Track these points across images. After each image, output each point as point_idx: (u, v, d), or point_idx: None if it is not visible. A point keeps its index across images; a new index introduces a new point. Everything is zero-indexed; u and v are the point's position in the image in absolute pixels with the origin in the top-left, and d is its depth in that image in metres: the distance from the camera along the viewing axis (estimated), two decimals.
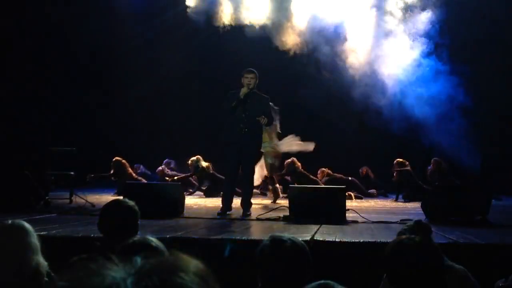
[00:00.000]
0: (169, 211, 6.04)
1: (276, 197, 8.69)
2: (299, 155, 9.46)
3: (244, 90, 6.41)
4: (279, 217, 6.02)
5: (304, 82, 11.00)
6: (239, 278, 3.44)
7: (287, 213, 6.01)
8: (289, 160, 9.59)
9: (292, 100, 11.13)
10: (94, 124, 12.04)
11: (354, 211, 6.36)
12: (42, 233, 4.36)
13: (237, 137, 6.40)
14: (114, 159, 10.10)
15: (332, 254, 4.11)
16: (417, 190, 9.35)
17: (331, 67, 10.75)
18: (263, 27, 10.87)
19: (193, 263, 0.77)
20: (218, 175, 10.10)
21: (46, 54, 11.21)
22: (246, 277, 2.45)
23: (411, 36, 10.84)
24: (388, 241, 3.26)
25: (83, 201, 7.40)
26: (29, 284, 2.09)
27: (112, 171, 10.07)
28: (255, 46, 10.97)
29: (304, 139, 9.04)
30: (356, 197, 10.11)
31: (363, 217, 5.99)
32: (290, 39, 10.87)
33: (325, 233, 4.66)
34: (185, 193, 7.66)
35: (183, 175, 10.72)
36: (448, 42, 10.83)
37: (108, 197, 8.78)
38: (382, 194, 11.04)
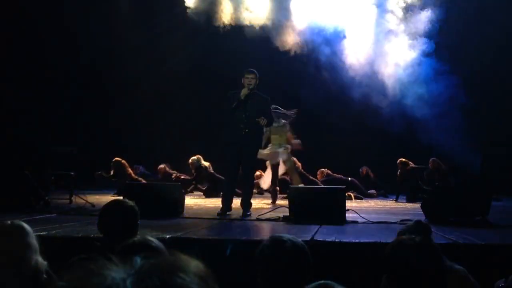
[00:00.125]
0: (169, 211, 6.04)
1: (275, 198, 8.70)
2: (300, 155, 9.47)
3: (244, 91, 6.41)
4: (279, 217, 6.02)
5: (304, 82, 11.00)
6: (239, 278, 3.44)
7: (287, 214, 6.00)
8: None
9: (291, 100, 11.12)
10: (94, 124, 12.05)
11: (354, 211, 6.36)
12: (42, 233, 4.36)
13: (237, 137, 6.40)
14: (114, 160, 10.11)
15: (332, 255, 4.11)
16: (419, 190, 9.34)
17: (331, 67, 10.76)
18: (263, 27, 10.88)
19: (193, 264, 0.77)
20: (218, 176, 10.12)
21: (46, 54, 11.21)
22: (246, 277, 2.45)
23: (411, 35, 10.84)
24: (388, 241, 3.26)
25: (83, 201, 7.40)
26: (29, 283, 2.09)
27: (112, 172, 10.07)
28: (255, 46, 10.98)
29: (304, 139, 9.04)
30: (356, 198, 10.11)
31: (363, 218, 5.99)
32: (290, 39, 10.88)
33: (325, 234, 4.66)
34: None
35: (188, 178, 10.74)
36: (448, 42, 10.83)
37: (108, 197, 8.78)
38: (382, 194, 11.04)
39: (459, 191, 6.21)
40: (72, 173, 8.24)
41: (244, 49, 11.07)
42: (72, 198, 7.85)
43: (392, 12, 10.96)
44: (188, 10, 11.18)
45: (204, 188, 10.53)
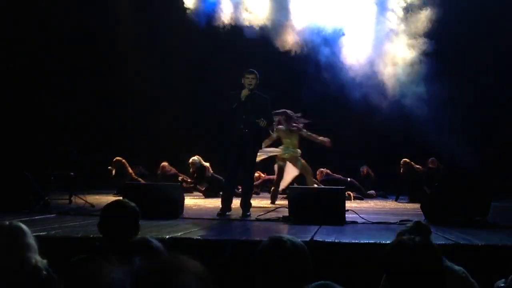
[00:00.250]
0: (169, 212, 6.04)
1: (274, 200, 8.70)
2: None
3: (245, 92, 6.41)
4: (279, 218, 6.02)
5: (304, 82, 11.01)
6: (238, 279, 3.44)
7: (286, 214, 6.00)
8: None
9: (291, 100, 11.13)
10: (94, 124, 12.04)
11: (354, 211, 6.37)
12: (41, 233, 4.36)
13: (237, 137, 6.41)
14: (115, 159, 10.13)
15: (332, 255, 4.11)
16: (421, 191, 9.34)
17: (330, 67, 10.76)
18: (262, 28, 10.89)
19: (192, 264, 0.77)
20: (217, 176, 10.14)
21: (46, 54, 11.20)
22: (246, 278, 2.45)
23: (410, 35, 10.85)
24: (388, 242, 3.27)
25: (83, 201, 7.39)
26: (29, 282, 2.10)
27: (113, 171, 10.10)
28: (254, 47, 10.98)
29: (302, 139, 9.04)
30: (356, 198, 10.12)
31: (362, 218, 5.99)
32: (290, 40, 10.88)
33: (325, 234, 4.66)
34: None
35: (191, 180, 10.77)
36: (448, 42, 10.84)
37: (107, 198, 8.78)
38: (382, 195, 11.05)
39: (458, 192, 6.20)
40: (72, 173, 8.24)
41: (243, 50, 11.08)
42: (72, 198, 7.85)
43: (392, 11, 10.96)
44: (187, 11, 11.19)
45: (203, 189, 10.53)
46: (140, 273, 0.73)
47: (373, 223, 5.73)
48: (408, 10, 10.95)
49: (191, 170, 10.61)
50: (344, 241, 4.33)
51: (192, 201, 8.90)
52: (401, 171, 10.09)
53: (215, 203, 7.74)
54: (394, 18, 10.96)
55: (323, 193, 6.45)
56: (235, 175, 6.64)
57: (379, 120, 10.70)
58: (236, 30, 11.02)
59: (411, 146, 10.90)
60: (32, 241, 2.17)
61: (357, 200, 9.95)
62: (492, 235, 4.83)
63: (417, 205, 7.06)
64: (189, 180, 10.81)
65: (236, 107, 6.40)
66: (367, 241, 4.27)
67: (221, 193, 9.06)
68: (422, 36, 10.70)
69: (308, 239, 4.27)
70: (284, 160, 8.49)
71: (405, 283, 2.04)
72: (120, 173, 10.02)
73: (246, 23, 10.92)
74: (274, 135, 8.30)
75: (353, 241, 4.31)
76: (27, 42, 10.82)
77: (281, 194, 9.07)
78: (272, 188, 8.96)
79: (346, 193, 7.22)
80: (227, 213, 6.41)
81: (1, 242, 2.14)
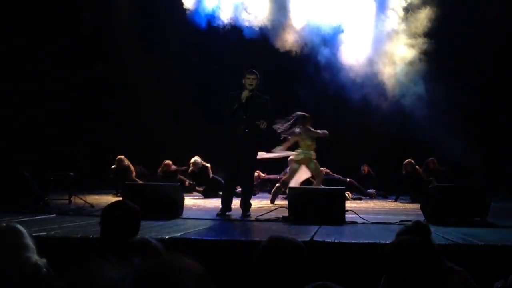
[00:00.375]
0: (168, 212, 6.04)
1: (274, 198, 8.71)
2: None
3: (245, 93, 6.41)
4: (279, 218, 6.02)
5: (303, 82, 11.01)
6: (238, 279, 3.45)
7: (286, 214, 6.00)
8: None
9: (291, 100, 11.14)
10: (94, 124, 12.04)
11: (354, 212, 6.37)
12: (41, 233, 4.36)
13: (238, 137, 6.41)
14: (117, 157, 10.17)
15: (331, 255, 4.11)
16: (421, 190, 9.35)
17: (330, 67, 10.76)
18: (262, 28, 10.89)
19: (191, 264, 0.77)
20: (217, 177, 10.16)
21: (46, 54, 11.19)
22: (246, 278, 2.45)
23: (410, 35, 10.85)
24: (388, 242, 3.27)
25: (82, 201, 7.39)
26: (30, 280, 2.10)
27: (114, 169, 10.14)
28: (254, 47, 10.98)
29: None
30: (354, 198, 10.13)
31: (362, 218, 5.99)
32: (289, 40, 10.89)
33: (324, 234, 4.65)
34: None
35: (191, 182, 10.79)
36: (448, 41, 10.84)
37: (107, 198, 8.79)
38: (382, 195, 11.06)
39: (458, 192, 6.21)
40: (72, 174, 8.24)
41: (243, 50, 11.08)
42: (72, 198, 7.85)
43: (392, 10, 10.97)
44: (187, 12, 11.20)
45: (202, 189, 10.54)
46: (140, 273, 0.73)
47: (373, 223, 5.73)
48: (408, 9, 10.95)
49: (190, 169, 10.60)
50: (344, 241, 4.32)
51: (192, 201, 8.90)
52: (404, 171, 10.09)
53: (215, 203, 7.74)
54: (394, 17, 10.97)
55: (323, 193, 6.45)
56: (235, 175, 6.64)
57: (379, 120, 10.70)
58: (236, 30, 11.03)
59: (411, 146, 10.90)
60: (29, 241, 2.18)
61: (357, 200, 9.95)
62: (492, 235, 4.83)
63: (417, 205, 7.07)
64: (189, 183, 10.81)
65: (237, 109, 6.40)
66: (367, 241, 4.27)
67: (220, 193, 9.10)
68: (422, 36, 10.71)
69: (308, 239, 4.27)
70: (299, 162, 8.52)
71: (404, 283, 2.04)
72: (121, 172, 10.03)
73: (246, 23, 10.93)
74: (292, 139, 8.41)
75: (352, 241, 4.30)
76: (27, 41, 10.81)
77: (281, 194, 9.08)
78: (277, 185, 8.96)
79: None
80: (227, 213, 6.41)
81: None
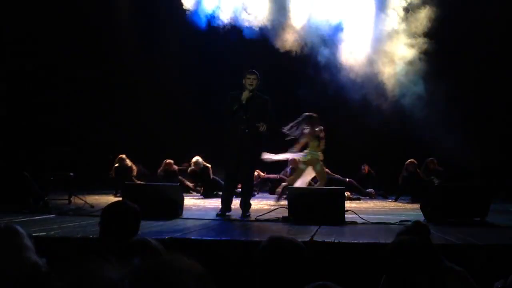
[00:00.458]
0: (168, 212, 6.04)
1: (279, 199, 8.74)
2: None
3: (246, 94, 6.41)
4: (278, 218, 6.02)
5: (303, 82, 11.01)
6: (238, 279, 3.44)
7: (286, 214, 6.00)
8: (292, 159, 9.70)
9: (291, 100, 11.15)
10: (94, 124, 12.04)
11: (353, 212, 6.37)
12: (41, 233, 4.36)
13: (237, 138, 6.41)
14: (119, 156, 10.18)
15: (331, 255, 4.11)
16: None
17: (330, 67, 10.76)
18: (262, 28, 10.90)
19: (191, 264, 0.77)
20: (217, 178, 10.17)
21: (45, 54, 11.19)
22: (245, 278, 2.45)
23: (410, 34, 10.85)
24: (387, 242, 3.27)
25: (82, 202, 7.39)
26: (30, 279, 2.10)
27: (115, 168, 10.15)
28: (254, 47, 10.98)
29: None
30: (355, 198, 10.14)
31: (362, 218, 5.99)
32: (289, 40, 10.89)
33: (324, 234, 4.65)
34: None
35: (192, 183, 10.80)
36: (448, 41, 10.84)
37: (107, 198, 8.79)
38: (382, 195, 11.07)
39: (458, 192, 6.21)
40: (71, 174, 8.24)
41: (243, 50, 11.08)
42: (71, 198, 7.85)
43: (392, 10, 10.97)
44: (187, 12, 11.20)
45: (201, 189, 10.54)
46: (140, 273, 0.73)
47: (372, 223, 5.73)
48: (408, 9, 10.96)
49: (190, 169, 10.59)
50: (344, 241, 4.32)
51: (192, 201, 8.90)
52: (406, 171, 10.08)
53: (215, 203, 7.74)
54: (394, 17, 10.97)
55: (322, 193, 6.45)
56: (234, 175, 6.63)
57: (379, 120, 10.69)
58: (236, 30, 11.04)
59: (411, 146, 10.90)
60: (28, 242, 2.18)
61: (356, 201, 9.96)
62: (492, 235, 4.83)
63: (417, 206, 7.07)
64: (187, 185, 10.81)
65: (237, 110, 6.40)
66: (367, 242, 4.27)
67: (220, 193, 9.11)
68: (422, 36, 10.71)
69: (307, 239, 4.27)
70: (306, 163, 8.53)
71: (404, 283, 2.04)
72: (122, 171, 10.04)
73: (246, 23, 10.93)
74: (302, 140, 8.43)
75: (352, 241, 4.30)
76: (27, 43, 10.81)
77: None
78: (283, 185, 8.98)
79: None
80: (227, 214, 6.41)
81: None
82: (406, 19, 10.94)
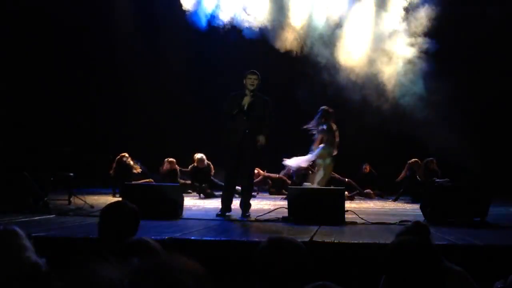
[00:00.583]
0: (168, 212, 6.04)
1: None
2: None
3: (247, 99, 6.40)
4: (278, 218, 6.02)
5: (303, 82, 11.01)
6: (238, 279, 3.44)
7: (286, 214, 6.00)
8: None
9: (290, 100, 11.15)
10: (94, 124, 12.05)
11: (353, 212, 6.37)
12: (41, 234, 4.36)
13: (238, 138, 6.40)
14: (120, 155, 10.18)
15: (331, 255, 4.11)
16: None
17: (329, 67, 10.76)
18: (262, 29, 10.90)
19: (190, 264, 0.77)
20: (215, 179, 10.19)
21: (46, 55, 11.20)
22: (245, 278, 2.45)
23: (411, 34, 10.85)
24: (387, 242, 3.26)
25: (82, 202, 7.39)
26: (30, 279, 2.11)
27: (115, 167, 10.15)
28: (254, 47, 10.98)
29: (302, 140, 9.07)
30: (353, 198, 10.18)
31: (362, 218, 5.99)
32: (289, 40, 10.89)
33: (324, 234, 4.66)
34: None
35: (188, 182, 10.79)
36: (448, 41, 10.83)
37: (106, 198, 8.79)
38: (379, 195, 11.10)
39: (458, 192, 6.21)
40: (71, 174, 8.24)
41: (242, 50, 11.09)
42: (71, 199, 7.85)
43: (392, 10, 10.97)
44: (186, 13, 11.20)
45: (205, 187, 10.54)
46: (139, 273, 0.73)
47: (372, 223, 5.74)
48: (408, 9, 10.96)
49: (193, 166, 10.55)
50: (344, 241, 4.32)
51: (192, 202, 8.90)
52: (410, 171, 10.08)
53: (215, 203, 7.74)
54: (394, 16, 10.96)
55: (322, 193, 6.45)
56: (235, 176, 6.63)
57: (379, 120, 10.69)
58: (236, 30, 11.03)
59: (411, 146, 10.89)
60: (27, 242, 2.18)
61: (356, 196, 9.99)
62: (492, 235, 4.84)
63: (417, 206, 7.07)
64: (188, 182, 10.81)
65: (237, 113, 6.39)
66: (367, 242, 4.27)
67: (216, 193, 9.14)
68: (422, 35, 10.71)
69: (307, 239, 4.27)
70: (321, 157, 8.66)
71: (404, 283, 2.04)
72: (123, 170, 10.03)
73: (246, 24, 10.93)
74: (319, 136, 8.58)
75: (352, 242, 4.30)
76: (25, 43, 10.82)
77: (282, 195, 9.13)
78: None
79: None
80: (227, 214, 6.41)
81: None
82: (406, 18, 10.94)
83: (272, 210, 6.64)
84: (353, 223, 5.75)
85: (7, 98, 10.45)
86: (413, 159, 10.12)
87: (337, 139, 8.67)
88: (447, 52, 10.83)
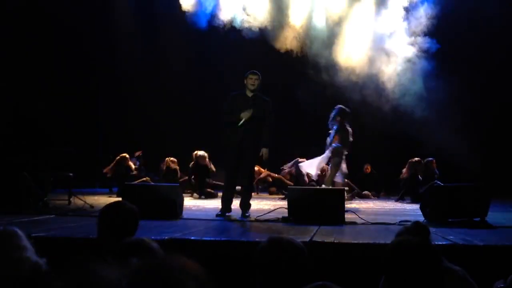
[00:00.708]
0: (168, 212, 6.03)
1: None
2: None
3: (246, 115, 6.36)
4: (278, 218, 6.02)
5: (302, 82, 11.01)
6: (238, 279, 3.44)
7: (286, 215, 6.00)
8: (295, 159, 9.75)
9: (290, 100, 11.15)
10: (93, 124, 12.05)
11: (353, 212, 6.37)
12: (41, 234, 4.35)
13: (238, 138, 6.40)
14: (121, 155, 10.18)
15: (331, 256, 4.11)
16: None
17: (329, 67, 10.76)
18: (261, 29, 10.90)
19: (190, 264, 0.77)
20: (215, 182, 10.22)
21: (46, 55, 11.19)
22: (245, 278, 2.45)
23: (411, 34, 10.85)
24: (387, 242, 3.26)
25: (82, 202, 7.39)
26: (30, 279, 2.11)
27: (114, 167, 10.15)
28: (254, 47, 10.98)
29: (302, 140, 9.07)
30: (353, 194, 10.21)
31: (362, 218, 5.99)
32: (289, 40, 10.89)
33: (324, 234, 4.65)
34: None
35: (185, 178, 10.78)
36: (448, 41, 10.84)
37: (106, 198, 8.78)
38: (377, 196, 11.13)
39: (458, 192, 6.21)
40: (71, 174, 8.24)
41: (242, 50, 11.09)
42: (71, 199, 7.84)
43: (392, 9, 10.97)
44: (186, 14, 11.21)
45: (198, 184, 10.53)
46: (139, 273, 0.73)
47: (372, 223, 5.74)
48: (409, 8, 10.96)
49: (194, 163, 10.54)
50: (344, 241, 4.32)
51: (192, 202, 8.90)
52: (413, 170, 10.07)
53: (215, 203, 7.74)
54: (394, 16, 10.97)
55: (322, 194, 6.45)
56: (235, 176, 6.63)
57: (378, 120, 10.69)
58: (236, 30, 11.04)
59: (411, 146, 10.89)
60: (27, 243, 2.18)
61: (356, 201, 9.98)
62: (491, 235, 4.83)
63: (417, 206, 7.07)
64: (186, 178, 10.79)
65: (236, 122, 6.38)
66: (366, 242, 4.27)
67: (212, 191, 9.12)
68: (422, 35, 10.71)
69: (307, 239, 4.27)
70: (333, 154, 8.74)
71: (404, 284, 2.04)
72: (121, 171, 10.03)
73: (246, 24, 10.93)
74: (335, 135, 8.73)
75: (352, 242, 4.30)
76: (26, 43, 10.81)
77: (282, 194, 9.12)
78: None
79: None
80: (227, 214, 6.40)
81: None
82: (407, 18, 10.94)
83: (272, 210, 6.64)
84: (353, 223, 5.75)
85: (7, 97, 10.45)
86: (415, 158, 10.10)
87: (351, 139, 8.73)
88: (447, 52, 10.84)
